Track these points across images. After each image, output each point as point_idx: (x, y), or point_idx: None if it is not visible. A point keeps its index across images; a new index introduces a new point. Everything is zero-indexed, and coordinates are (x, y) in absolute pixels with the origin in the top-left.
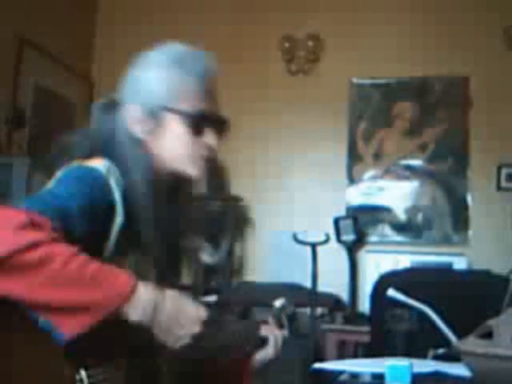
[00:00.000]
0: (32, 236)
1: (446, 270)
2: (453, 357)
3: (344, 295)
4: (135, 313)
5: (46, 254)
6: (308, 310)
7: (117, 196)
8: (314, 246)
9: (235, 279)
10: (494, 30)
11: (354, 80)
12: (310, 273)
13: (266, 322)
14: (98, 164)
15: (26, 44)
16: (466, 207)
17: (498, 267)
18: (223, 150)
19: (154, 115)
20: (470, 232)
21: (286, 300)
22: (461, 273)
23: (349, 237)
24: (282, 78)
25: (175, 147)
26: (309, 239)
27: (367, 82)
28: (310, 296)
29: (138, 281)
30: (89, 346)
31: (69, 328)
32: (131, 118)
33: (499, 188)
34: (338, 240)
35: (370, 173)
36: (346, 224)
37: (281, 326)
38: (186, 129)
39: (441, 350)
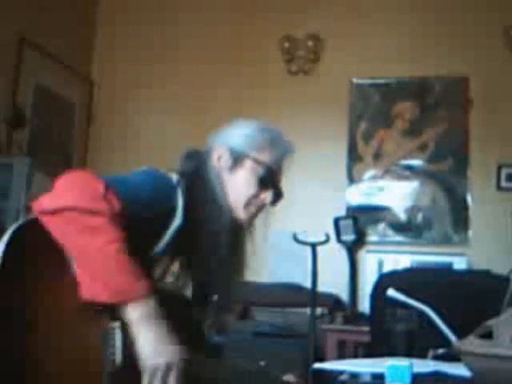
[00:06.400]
0: (98, 205)
1: (445, 270)
2: (453, 357)
3: (344, 295)
4: (133, 313)
5: (97, 227)
6: (308, 310)
7: (180, 203)
8: (313, 246)
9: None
10: (494, 30)
11: (354, 80)
12: (310, 273)
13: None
14: (171, 174)
15: (26, 44)
16: (466, 207)
17: (498, 267)
18: None
19: (236, 157)
20: (470, 232)
21: (294, 376)
22: (461, 273)
23: (349, 237)
24: (281, 78)
25: (241, 188)
26: (309, 239)
27: (367, 81)
28: (309, 296)
29: (153, 294)
30: None
31: (85, 289)
32: (217, 155)
33: (499, 188)
34: (338, 240)
35: (370, 173)
36: (346, 224)
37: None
38: (255, 178)
39: (441, 350)
